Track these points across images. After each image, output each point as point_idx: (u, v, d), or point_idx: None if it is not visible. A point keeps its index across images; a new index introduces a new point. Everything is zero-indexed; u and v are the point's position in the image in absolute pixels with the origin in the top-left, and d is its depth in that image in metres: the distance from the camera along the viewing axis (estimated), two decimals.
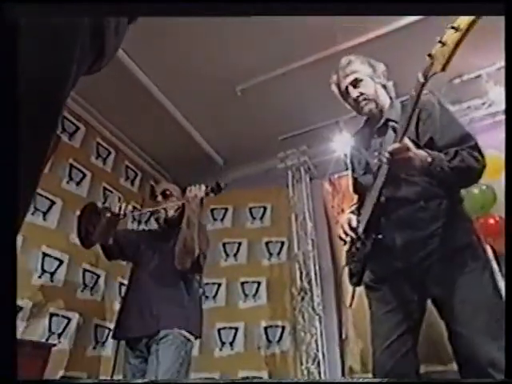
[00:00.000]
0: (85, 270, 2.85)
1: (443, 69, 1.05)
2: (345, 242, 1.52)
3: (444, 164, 1.25)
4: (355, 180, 1.61)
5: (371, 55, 1.64)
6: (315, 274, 3.27)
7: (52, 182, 2.75)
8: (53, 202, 2.74)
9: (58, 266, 2.66)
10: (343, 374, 2.88)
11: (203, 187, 1.98)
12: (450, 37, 1.01)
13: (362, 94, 1.51)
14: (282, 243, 3.59)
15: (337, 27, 2.51)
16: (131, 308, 1.95)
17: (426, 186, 1.35)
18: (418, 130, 1.39)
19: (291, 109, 3.27)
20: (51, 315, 2.50)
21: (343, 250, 1.60)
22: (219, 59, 2.84)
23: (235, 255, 3.64)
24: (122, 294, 2.42)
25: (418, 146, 1.27)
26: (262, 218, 3.76)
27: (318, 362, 2.95)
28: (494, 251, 2.62)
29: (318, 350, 2.99)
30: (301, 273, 3.29)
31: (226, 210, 3.88)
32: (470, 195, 2.61)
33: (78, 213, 2.11)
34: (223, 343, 3.28)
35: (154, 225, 2.48)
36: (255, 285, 3.45)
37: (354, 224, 1.46)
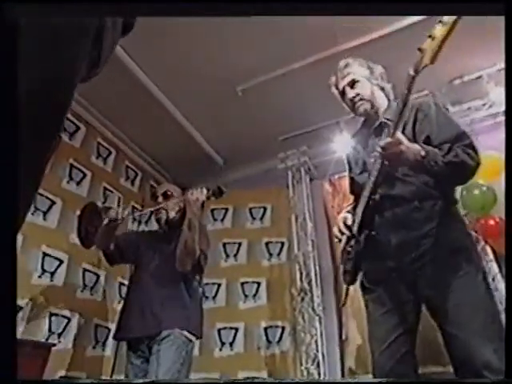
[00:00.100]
0: (85, 270, 2.85)
1: (432, 61, 1.11)
2: (340, 241, 1.53)
3: (438, 158, 1.26)
4: (352, 180, 1.62)
5: (371, 55, 1.66)
6: (315, 275, 3.27)
7: (52, 182, 2.75)
8: (53, 202, 2.74)
9: (58, 266, 2.65)
10: (343, 375, 2.87)
11: (205, 191, 1.97)
12: (438, 31, 1.08)
13: (357, 94, 1.53)
14: (282, 244, 3.59)
15: (337, 27, 2.50)
16: (132, 308, 1.95)
17: (421, 186, 1.35)
18: (414, 130, 1.40)
19: (291, 109, 3.27)
20: (51, 315, 2.50)
21: None
22: (219, 59, 2.83)
23: (235, 255, 3.64)
24: (122, 294, 2.42)
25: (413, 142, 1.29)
26: (262, 219, 3.76)
27: (318, 363, 2.95)
28: (495, 252, 2.63)
29: (317, 351, 2.98)
30: (301, 273, 3.29)
31: (226, 210, 3.87)
32: (470, 196, 2.61)
33: (78, 213, 2.11)
34: (223, 343, 3.28)
35: (154, 225, 2.48)
36: (255, 285, 3.45)
37: (349, 222, 1.47)
